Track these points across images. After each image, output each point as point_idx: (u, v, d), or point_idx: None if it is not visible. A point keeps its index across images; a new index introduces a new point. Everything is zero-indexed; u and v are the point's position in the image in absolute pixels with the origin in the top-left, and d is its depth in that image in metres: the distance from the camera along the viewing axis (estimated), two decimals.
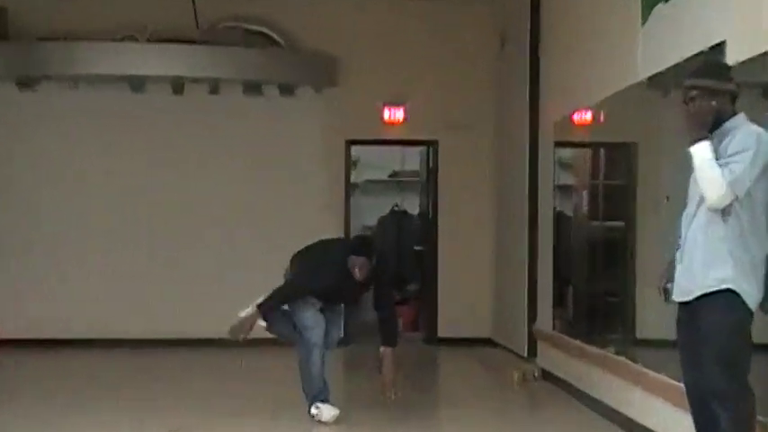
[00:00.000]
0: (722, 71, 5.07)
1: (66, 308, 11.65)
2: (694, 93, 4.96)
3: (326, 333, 7.56)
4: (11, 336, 11.25)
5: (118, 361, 10.86)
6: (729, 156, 4.74)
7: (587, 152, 9.91)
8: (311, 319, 7.47)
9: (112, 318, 11.66)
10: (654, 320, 7.82)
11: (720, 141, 4.87)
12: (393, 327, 7.85)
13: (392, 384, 7.63)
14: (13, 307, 11.56)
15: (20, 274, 11.69)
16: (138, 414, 7.81)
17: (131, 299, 11.74)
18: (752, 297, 4.77)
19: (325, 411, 7.37)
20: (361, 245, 7.71)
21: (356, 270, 7.33)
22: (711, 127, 4.95)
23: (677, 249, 5.06)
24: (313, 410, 7.37)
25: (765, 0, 5.30)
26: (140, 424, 7.46)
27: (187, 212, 11.90)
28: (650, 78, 7.05)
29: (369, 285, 7.62)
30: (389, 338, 7.72)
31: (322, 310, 7.57)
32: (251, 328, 7.26)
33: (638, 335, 8.22)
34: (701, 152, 4.80)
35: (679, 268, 5.04)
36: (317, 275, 7.41)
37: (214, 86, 11.83)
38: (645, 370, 6.83)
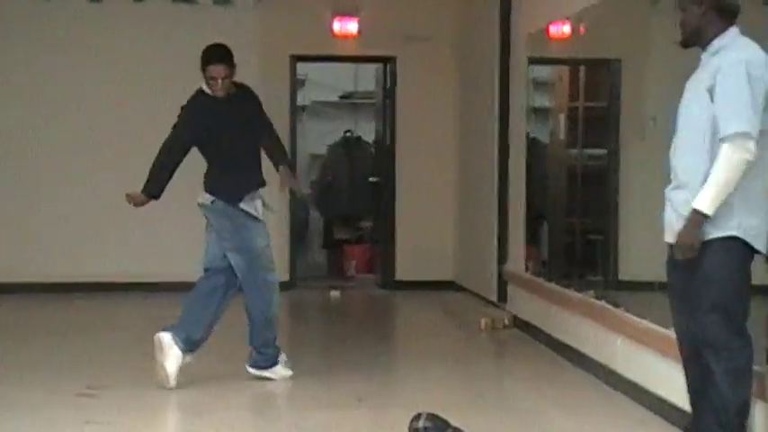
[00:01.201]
0: None
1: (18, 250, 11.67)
2: (683, 3, 4.97)
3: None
4: None
5: (43, 308, 10.82)
6: (722, 104, 4.71)
7: (565, 70, 9.89)
8: (270, 256, 7.29)
9: (63, 258, 11.65)
10: (638, 261, 7.89)
11: (710, 59, 4.86)
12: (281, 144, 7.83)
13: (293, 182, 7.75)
14: None
15: None
16: (53, 369, 7.70)
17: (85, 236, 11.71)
18: (758, 232, 4.78)
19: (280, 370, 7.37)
20: (207, 52, 7.24)
21: (218, 83, 7.11)
22: (700, 40, 4.95)
23: (669, 184, 5.06)
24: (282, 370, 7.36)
25: None
26: (56, 380, 7.32)
27: (111, 130, 11.71)
28: None
29: (245, 114, 7.34)
30: (283, 155, 7.71)
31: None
32: (141, 204, 7.19)
33: (621, 277, 8.27)
34: (706, 202, 4.71)
35: (669, 205, 5.04)
36: (184, 123, 7.24)
37: None
38: (628, 316, 6.83)
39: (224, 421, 6.34)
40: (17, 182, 11.66)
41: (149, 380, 7.09)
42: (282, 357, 7.34)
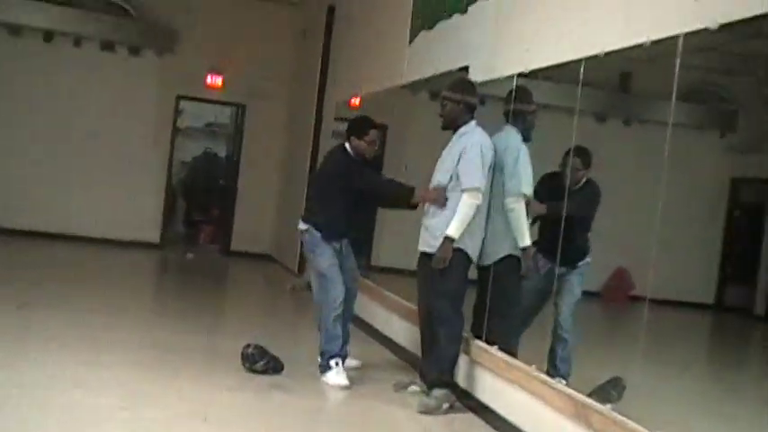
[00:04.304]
0: (466, 87, 5.13)
1: None
2: (444, 101, 5.07)
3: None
4: None
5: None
6: (464, 169, 4.83)
7: None
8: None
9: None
10: (389, 253, 7.98)
11: (459, 139, 4.99)
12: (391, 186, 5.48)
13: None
14: None
15: None
16: None
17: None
18: (474, 248, 4.94)
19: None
20: (367, 120, 5.55)
21: (375, 145, 5.42)
22: (454, 126, 5.07)
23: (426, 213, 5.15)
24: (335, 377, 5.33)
25: (499, 41, 5.40)
26: None
27: (51, 141, 11.18)
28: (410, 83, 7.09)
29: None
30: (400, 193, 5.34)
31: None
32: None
33: (376, 263, 8.35)
34: (454, 231, 4.80)
35: (423, 227, 5.11)
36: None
37: (77, 40, 11.12)
38: (386, 293, 6.86)
39: None
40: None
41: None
42: (336, 366, 5.36)
